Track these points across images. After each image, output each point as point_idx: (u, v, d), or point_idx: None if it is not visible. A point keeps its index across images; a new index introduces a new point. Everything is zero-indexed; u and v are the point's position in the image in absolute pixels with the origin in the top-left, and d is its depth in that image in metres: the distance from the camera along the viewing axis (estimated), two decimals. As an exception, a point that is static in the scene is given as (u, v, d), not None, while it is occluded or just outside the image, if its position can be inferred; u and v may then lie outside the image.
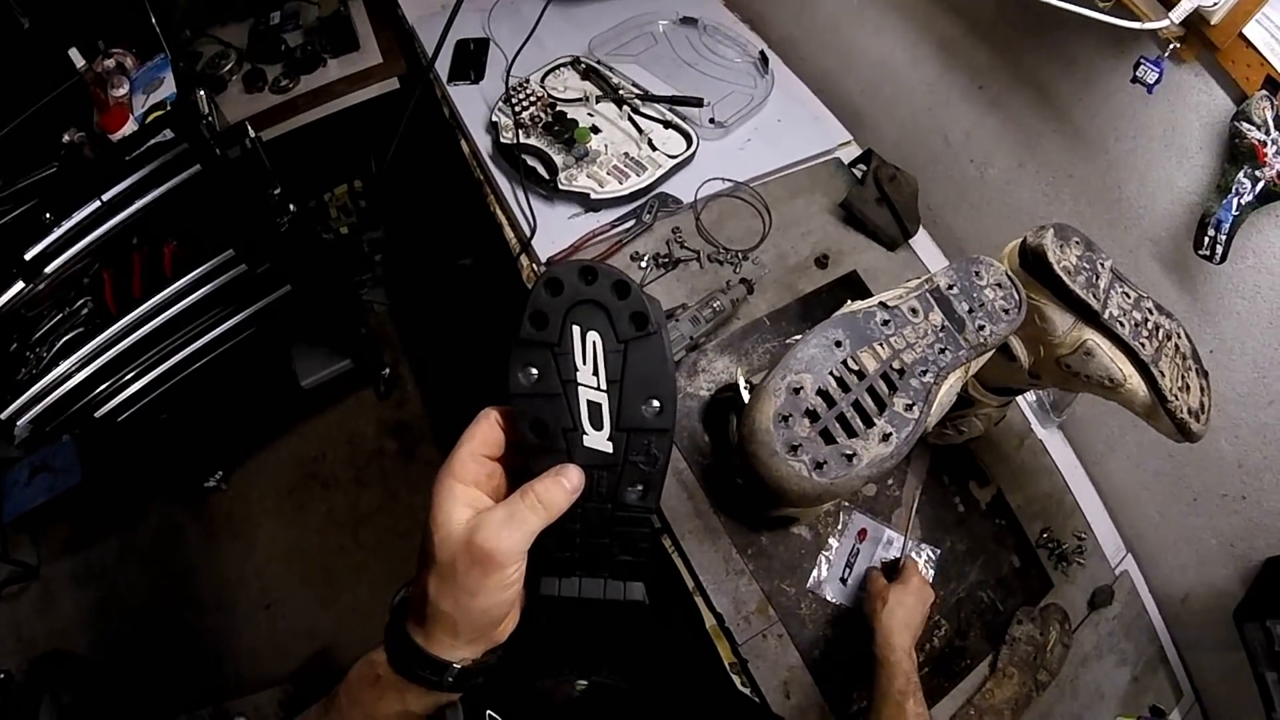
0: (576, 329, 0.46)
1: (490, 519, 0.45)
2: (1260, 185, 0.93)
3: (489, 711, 0.51)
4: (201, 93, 1.40)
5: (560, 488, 0.46)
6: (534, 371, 0.47)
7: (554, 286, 0.46)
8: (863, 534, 1.12)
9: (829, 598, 1.08)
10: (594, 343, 0.46)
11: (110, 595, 1.97)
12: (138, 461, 1.88)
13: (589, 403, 0.47)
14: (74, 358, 1.46)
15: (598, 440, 0.47)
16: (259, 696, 1.80)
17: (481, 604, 0.45)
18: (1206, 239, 0.97)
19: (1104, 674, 1.19)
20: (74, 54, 1.41)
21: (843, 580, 1.09)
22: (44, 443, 1.63)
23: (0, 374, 1.47)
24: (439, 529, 0.45)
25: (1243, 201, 0.94)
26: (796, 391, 0.66)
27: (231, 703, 1.78)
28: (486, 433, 0.48)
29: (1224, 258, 0.97)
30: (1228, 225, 0.95)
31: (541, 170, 1.26)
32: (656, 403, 0.47)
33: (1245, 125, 0.92)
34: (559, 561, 0.49)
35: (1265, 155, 0.92)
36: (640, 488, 0.48)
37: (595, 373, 0.46)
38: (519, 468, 0.48)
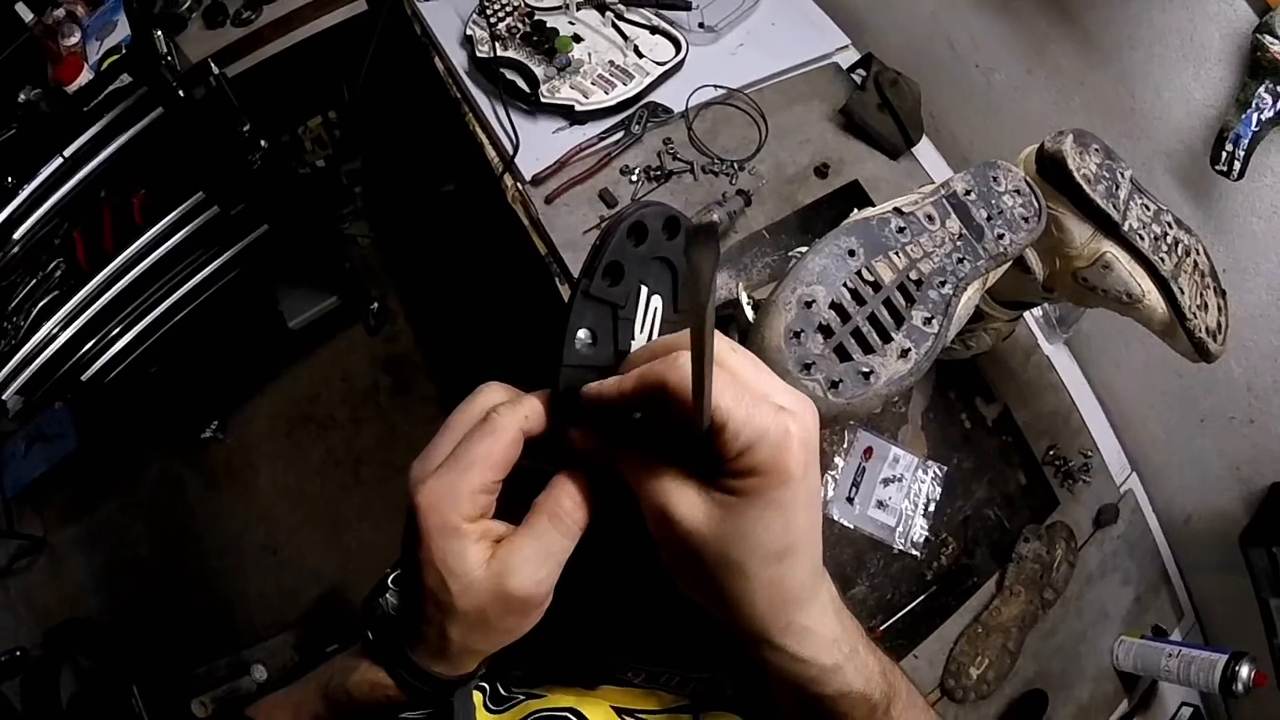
0: (644, 289, 0.38)
1: (520, 558, 0.37)
2: None
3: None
4: (158, 32, 1.32)
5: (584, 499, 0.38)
6: (590, 337, 0.38)
7: (639, 233, 0.37)
8: (868, 452, 1.11)
9: (836, 517, 1.07)
10: (656, 309, 0.39)
11: (117, 556, 1.97)
12: (132, 419, 1.86)
13: None
14: (52, 322, 1.43)
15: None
16: (273, 642, 1.82)
17: (511, 638, 0.40)
18: (1224, 154, 0.93)
19: (1108, 593, 1.20)
20: (21, 8, 1.34)
21: (849, 500, 1.09)
22: (37, 412, 1.62)
23: (-20, 349, 1.44)
24: (456, 580, 0.37)
25: (1263, 117, 0.90)
26: (809, 305, 0.62)
27: (247, 651, 1.80)
28: (505, 455, 0.37)
29: (1242, 174, 0.93)
30: (1246, 141, 0.91)
31: (521, 84, 1.19)
32: None
33: (1268, 38, 0.87)
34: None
35: None
36: None
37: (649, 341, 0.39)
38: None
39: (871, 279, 0.65)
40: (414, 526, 0.37)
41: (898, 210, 0.70)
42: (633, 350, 0.38)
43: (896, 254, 0.67)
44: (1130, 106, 1.08)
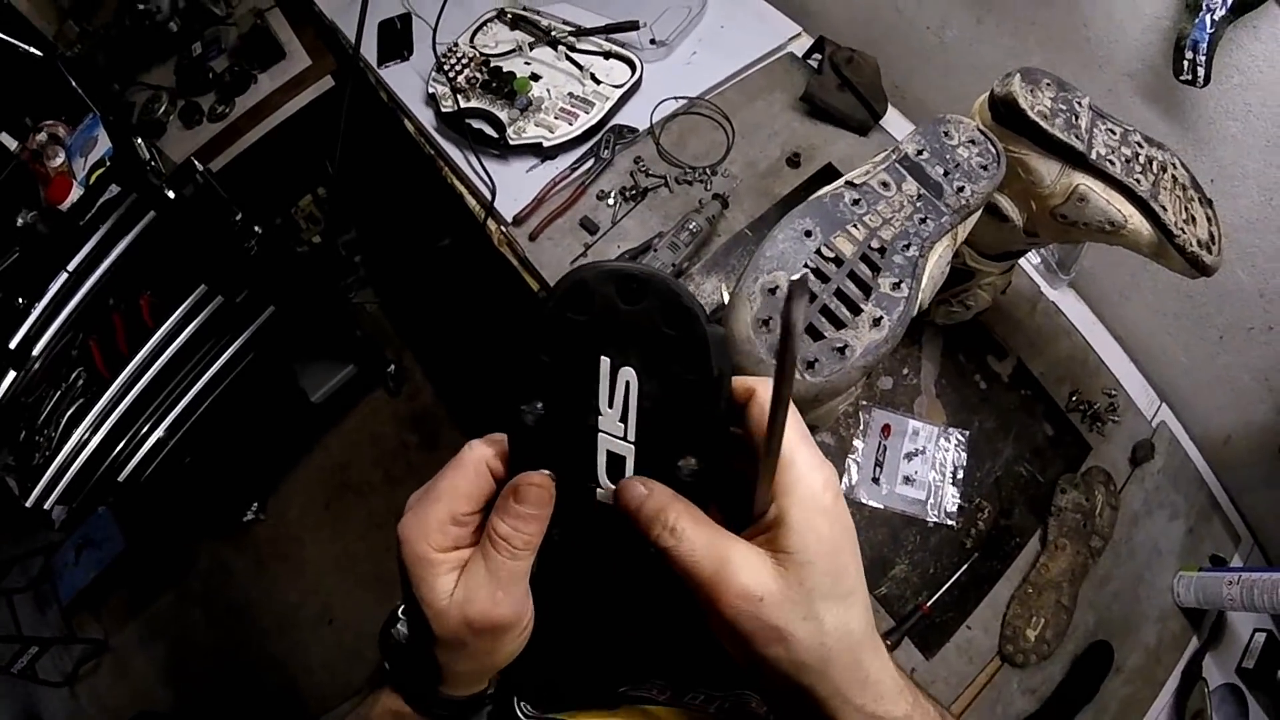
0: (606, 362, 0.35)
1: (475, 587, 0.37)
2: None
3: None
4: (139, 140, 1.38)
5: (529, 509, 0.37)
6: (542, 407, 0.37)
7: (581, 302, 0.34)
8: (886, 430, 1.09)
9: (864, 500, 1.06)
10: (627, 382, 0.35)
11: (179, 647, 2.02)
12: (174, 513, 1.91)
13: (609, 453, 0.37)
14: (82, 428, 1.49)
15: (614, 497, 0.38)
16: (341, 709, 1.83)
17: (500, 659, 0.41)
18: (1185, 63, 0.91)
19: (1158, 529, 1.16)
20: (4, 138, 1.40)
21: (875, 481, 1.07)
22: (81, 519, 1.67)
23: (17, 463, 1.50)
24: (428, 607, 0.38)
25: (1216, 17, 0.88)
26: (772, 291, 0.62)
27: (318, 720, 1.83)
28: (470, 486, 0.39)
29: (1207, 80, 0.90)
30: (1205, 45, 0.89)
31: (489, 130, 1.22)
32: (694, 461, 0.37)
33: None
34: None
35: None
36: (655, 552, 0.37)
37: (624, 419, 0.36)
38: None
39: (832, 255, 0.65)
40: (398, 558, 0.39)
41: (850, 183, 0.70)
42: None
43: (854, 226, 0.67)
44: (1085, 35, 1.07)
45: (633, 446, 0.37)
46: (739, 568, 0.34)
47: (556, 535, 0.39)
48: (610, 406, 0.36)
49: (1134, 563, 1.13)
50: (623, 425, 0.36)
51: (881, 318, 0.64)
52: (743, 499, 0.37)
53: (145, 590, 2.06)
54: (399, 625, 0.48)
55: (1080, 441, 1.17)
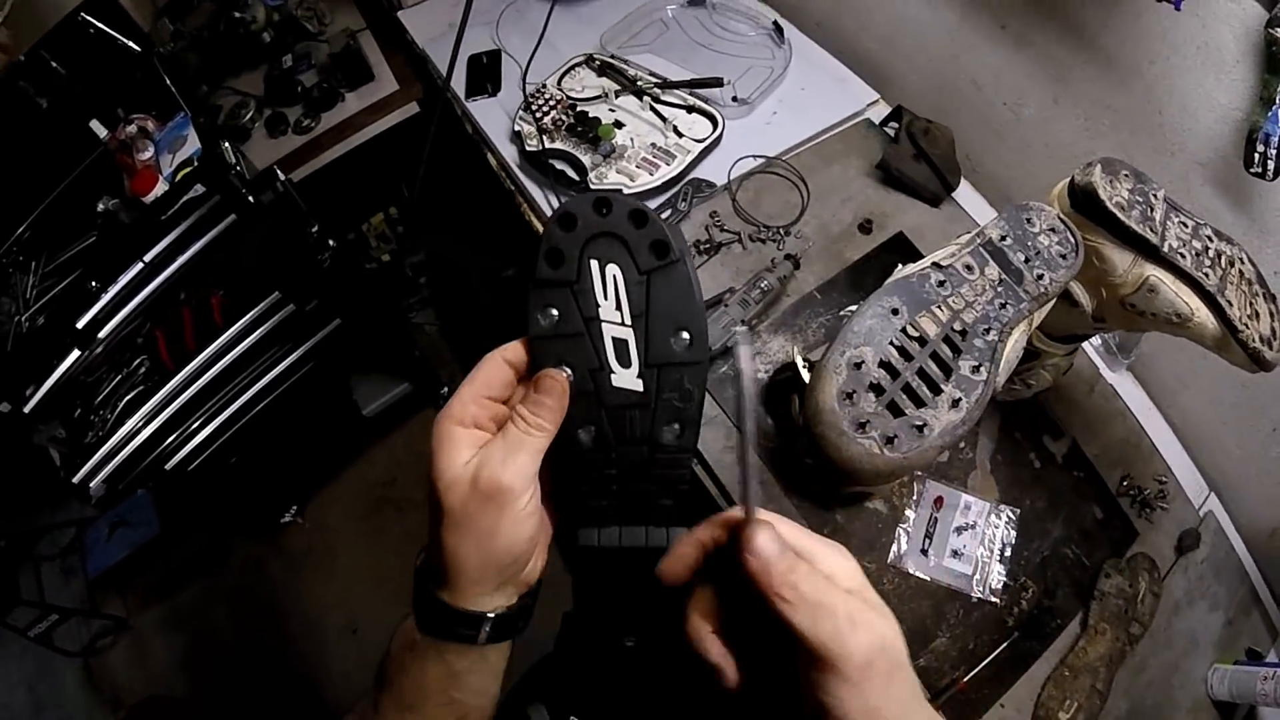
0: (595, 263, 0.44)
1: (490, 453, 0.43)
2: None
3: (572, 717, 0.50)
4: (226, 144, 1.43)
5: (546, 398, 0.44)
6: (554, 312, 0.45)
7: (567, 222, 0.44)
8: (939, 502, 1.10)
9: (912, 571, 1.06)
10: (614, 276, 0.44)
11: (200, 638, 2.04)
12: (213, 507, 1.94)
13: (614, 339, 0.45)
14: (137, 415, 1.52)
15: (627, 379, 0.45)
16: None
17: (502, 543, 0.44)
18: (1256, 155, 0.92)
19: (1197, 620, 1.15)
20: (95, 125, 1.45)
21: (923, 552, 1.07)
22: (120, 499, 1.70)
23: (69, 439, 1.54)
24: (442, 476, 0.43)
25: (1289, 112, 0.89)
26: (858, 366, 0.64)
27: (332, 730, 1.83)
28: (491, 373, 0.46)
29: (1277, 173, 0.91)
30: (1276, 139, 0.90)
31: (571, 172, 1.25)
32: (686, 335, 0.44)
33: None
34: (596, 511, 0.47)
35: None
36: (677, 426, 0.45)
37: (619, 308, 0.44)
38: None
39: (917, 334, 0.67)
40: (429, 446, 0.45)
41: (936, 264, 0.72)
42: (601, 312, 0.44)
43: (939, 307, 0.69)
44: (1158, 122, 1.08)
45: (630, 329, 0.44)
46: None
47: (581, 434, 0.46)
48: (605, 298, 0.44)
49: (1171, 652, 1.12)
50: (619, 313, 0.44)
51: (960, 399, 0.66)
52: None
53: (174, 577, 2.08)
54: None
55: (1128, 526, 1.16)
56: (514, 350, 0.46)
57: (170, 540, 2.01)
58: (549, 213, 1.27)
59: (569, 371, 0.45)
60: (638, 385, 0.45)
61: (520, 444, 0.43)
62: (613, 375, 0.45)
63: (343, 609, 2.03)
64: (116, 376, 1.56)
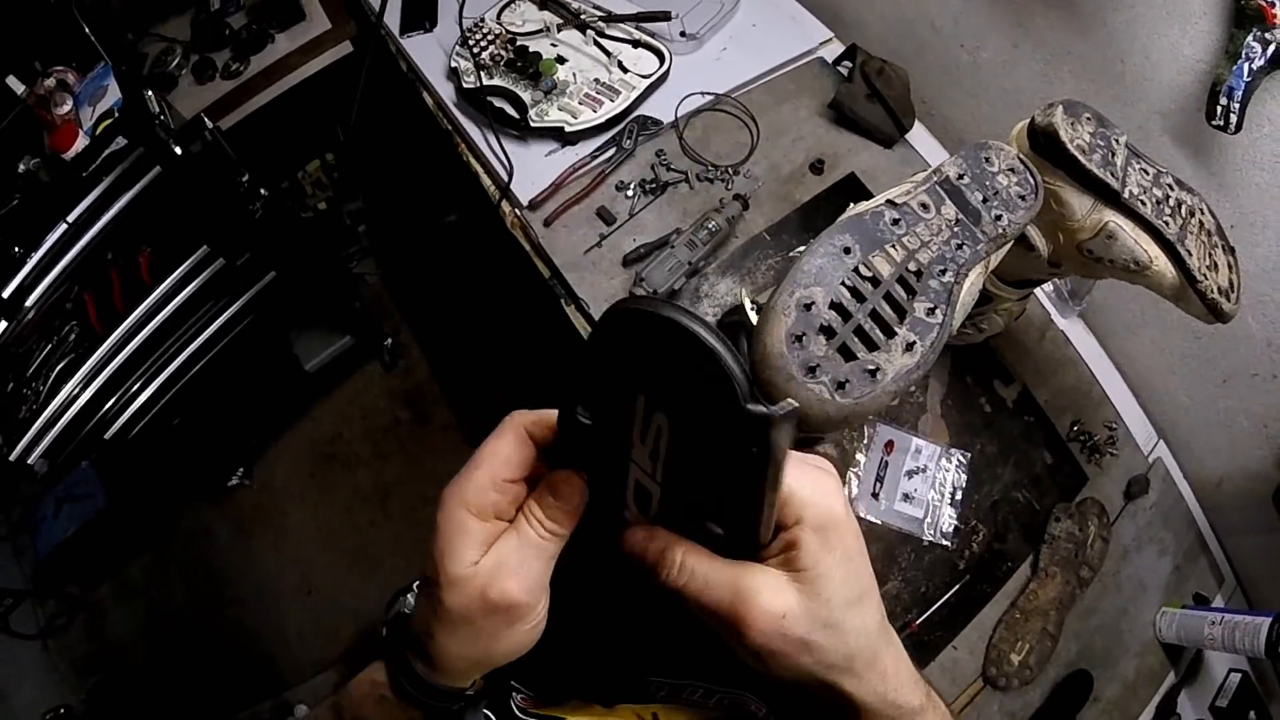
0: (642, 400, 0.33)
1: (503, 559, 0.37)
2: (1271, 49, 0.87)
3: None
4: (149, 93, 1.34)
5: (564, 505, 0.38)
6: (589, 414, 0.36)
7: (628, 339, 0.32)
8: (889, 446, 1.10)
9: (863, 514, 1.06)
10: (659, 427, 0.33)
11: (155, 609, 1.99)
12: (159, 473, 1.88)
13: (637, 484, 0.37)
14: (71, 383, 1.45)
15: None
16: (315, 681, 1.83)
17: (503, 650, 0.40)
18: (1219, 108, 0.91)
19: (1145, 565, 1.18)
20: (12, 81, 1.35)
21: (874, 496, 1.08)
22: (64, 474, 1.64)
23: (2, 415, 1.46)
24: (446, 572, 0.37)
25: (1254, 67, 0.88)
26: (808, 307, 0.62)
27: (290, 692, 1.81)
28: (511, 452, 0.39)
29: (1239, 127, 0.91)
30: (1240, 93, 0.89)
31: (510, 110, 1.20)
32: (720, 531, 0.36)
33: None
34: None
35: (1274, 17, 0.86)
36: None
37: (653, 458, 0.35)
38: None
39: (870, 274, 0.65)
40: (432, 525, 0.39)
41: (890, 202, 0.69)
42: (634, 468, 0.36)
43: (893, 247, 0.66)
44: (1120, 70, 1.07)
45: (659, 487, 0.36)
46: (758, 591, 0.35)
47: (579, 544, 0.39)
48: (642, 442, 0.35)
49: (1120, 596, 1.15)
50: (652, 463, 0.35)
51: (915, 343, 0.64)
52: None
53: (124, 549, 2.03)
54: (410, 595, 0.48)
55: (1078, 472, 1.18)
56: (537, 423, 0.39)
57: (118, 512, 1.94)
58: (487, 153, 1.21)
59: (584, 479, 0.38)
60: None
61: (537, 550, 0.38)
62: (627, 511, 0.38)
63: (295, 569, 2.00)
64: (47, 346, 1.48)
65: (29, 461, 1.44)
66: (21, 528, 1.99)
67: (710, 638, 0.37)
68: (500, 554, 0.38)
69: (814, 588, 0.35)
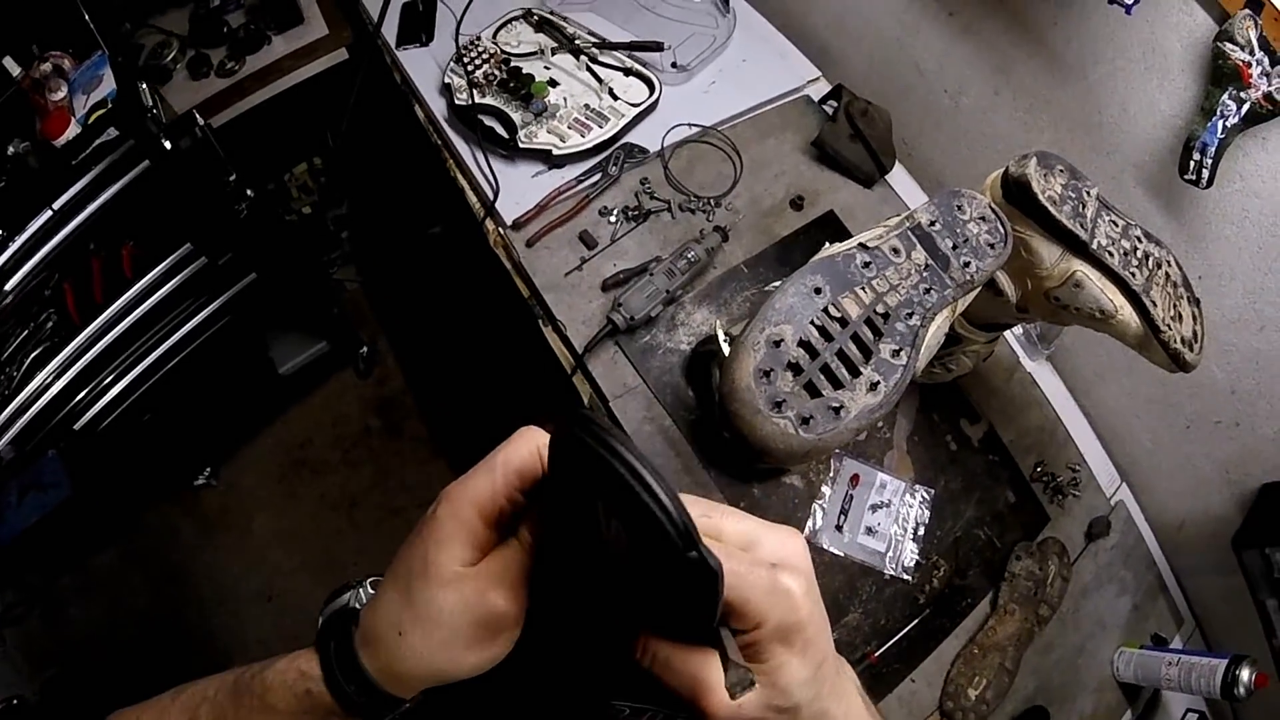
0: (600, 504, 0.33)
1: (505, 572, 0.37)
2: (1245, 107, 0.90)
3: None
4: (144, 85, 1.34)
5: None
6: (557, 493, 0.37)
7: (573, 452, 0.31)
8: (855, 480, 1.11)
9: (826, 546, 1.07)
10: (618, 530, 0.33)
11: (115, 603, 1.96)
12: (125, 467, 1.86)
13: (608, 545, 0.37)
14: (45, 372, 1.43)
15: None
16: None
17: (474, 661, 0.38)
18: (1192, 163, 0.94)
19: (1105, 604, 1.20)
20: (9, 62, 1.34)
21: (838, 528, 1.09)
22: (29, 461, 1.61)
23: (-27, 402, 1.44)
24: (440, 569, 0.36)
25: (1228, 124, 0.91)
26: (777, 344, 0.63)
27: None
28: (526, 463, 0.37)
29: (1210, 182, 0.94)
30: (1213, 149, 0.92)
31: (500, 130, 1.21)
32: (678, 622, 0.36)
33: (1228, 45, 0.88)
34: None
35: (1250, 76, 0.88)
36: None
37: (617, 544, 0.34)
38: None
39: (838, 315, 0.66)
40: (425, 517, 0.38)
41: (863, 245, 0.71)
42: None
43: (863, 289, 0.68)
44: (1098, 121, 1.10)
45: (624, 570, 0.36)
46: (716, 686, 0.36)
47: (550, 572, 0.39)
48: (608, 531, 0.34)
49: (1078, 634, 1.16)
50: (617, 548, 0.34)
51: (879, 383, 0.65)
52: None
53: (87, 542, 2.00)
54: (362, 590, 0.45)
55: (1040, 511, 1.20)
56: (543, 446, 0.38)
57: (83, 504, 1.91)
58: (475, 170, 1.22)
59: None
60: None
61: (519, 563, 0.37)
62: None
63: (257, 574, 1.98)
64: (23, 332, 1.46)
65: (-1, 450, 1.41)
66: (-19, 517, 1.95)
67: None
68: (504, 562, 0.37)
69: (771, 679, 0.36)
